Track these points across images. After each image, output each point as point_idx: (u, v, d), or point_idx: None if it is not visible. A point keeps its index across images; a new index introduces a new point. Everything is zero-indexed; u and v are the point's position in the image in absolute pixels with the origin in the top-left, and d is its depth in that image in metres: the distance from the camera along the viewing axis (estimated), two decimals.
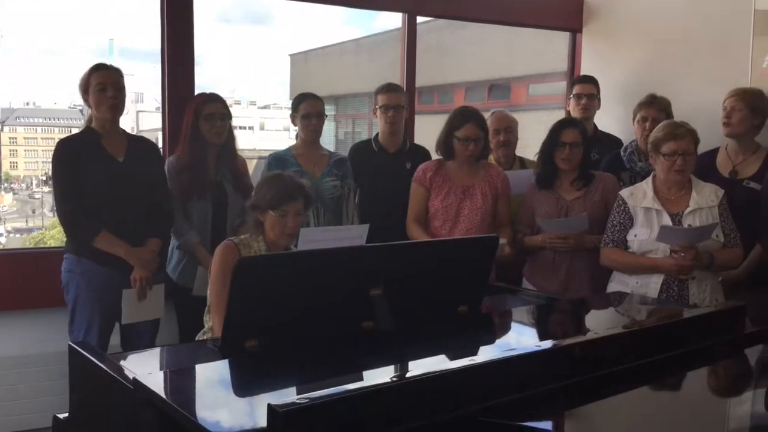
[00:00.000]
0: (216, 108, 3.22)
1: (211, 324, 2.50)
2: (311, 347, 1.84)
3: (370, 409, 1.40)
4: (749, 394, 1.94)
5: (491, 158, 3.84)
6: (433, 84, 11.19)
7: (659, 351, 1.92)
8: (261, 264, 1.91)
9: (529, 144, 3.92)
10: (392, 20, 4.10)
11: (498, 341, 2.24)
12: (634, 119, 3.63)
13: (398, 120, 3.65)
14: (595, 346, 1.87)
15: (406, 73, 4.02)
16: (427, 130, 3.45)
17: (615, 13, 4.38)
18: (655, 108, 3.54)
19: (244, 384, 1.75)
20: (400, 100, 3.64)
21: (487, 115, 3.91)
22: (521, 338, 2.28)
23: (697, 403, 1.88)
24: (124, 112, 3.05)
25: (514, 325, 2.40)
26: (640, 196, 3.02)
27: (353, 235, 2.40)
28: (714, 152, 3.40)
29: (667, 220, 2.91)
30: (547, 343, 1.85)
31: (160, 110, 3.64)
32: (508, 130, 3.80)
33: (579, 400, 1.72)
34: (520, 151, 3.92)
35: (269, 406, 1.27)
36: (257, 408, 1.40)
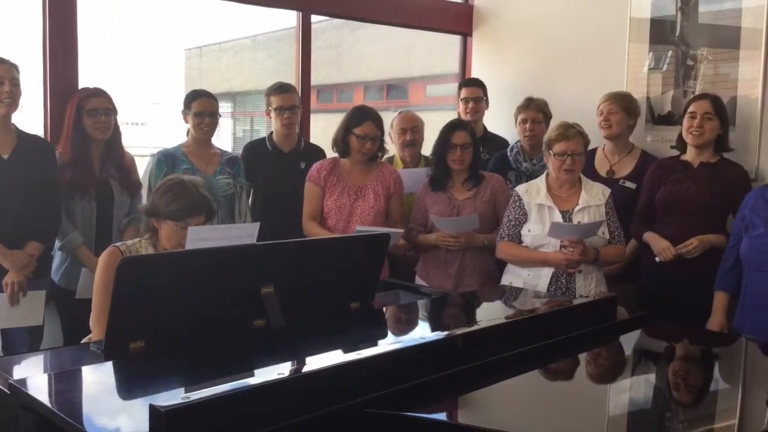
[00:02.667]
0: (100, 103, 3.11)
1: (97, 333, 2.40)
2: (200, 347, 1.83)
3: (255, 406, 1.41)
4: (628, 381, 2.06)
5: (397, 158, 3.92)
6: (332, 83, 11.20)
7: (541, 339, 2.01)
8: (145, 264, 1.88)
9: (427, 144, 4.02)
10: (289, 17, 4.08)
11: (390, 335, 2.30)
12: (515, 121, 3.80)
13: (294, 121, 3.65)
14: (480, 335, 1.95)
15: (301, 71, 4.01)
16: (327, 129, 3.46)
17: (502, 18, 4.52)
18: (532, 109, 3.73)
19: (128, 386, 1.72)
20: (294, 101, 3.64)
21: (390, 115, 3.99)
22: (412, 331, 2.33)
23: (580, 389, 1.97)
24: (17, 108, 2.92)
25: (406, 319, 2.46)
26: (534, 192, 3.15)
27: (243, 233, 2.38)
28: (592, 153, 3.59)
29: (558, 217, 3.06)
30: (435, 334, 1.91)
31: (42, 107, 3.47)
32: (415, 130, 3.86)
33: (469, 386, 1.78)
34: (424, 151, 4.00)
35: (151, 406, 1.26)
36: (141, 410, 1.38)
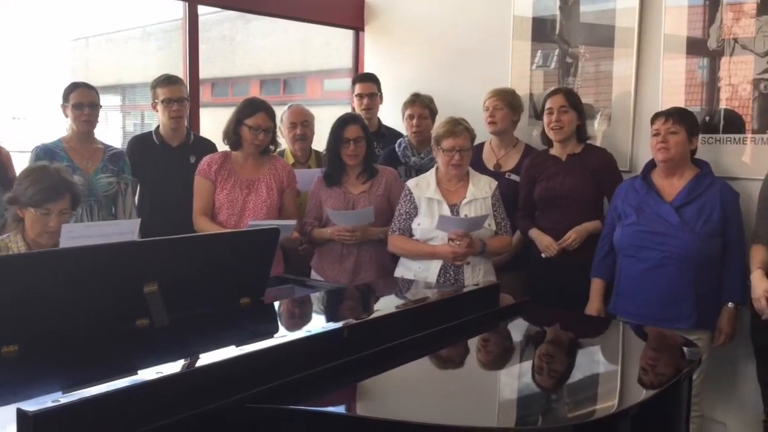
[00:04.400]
0: None
1: None
2: (78, 349, 1.77)
3: (132, 406, 1.38)
4: (516, 366, 2.14)
5: (288, 152, 3.89)
6: (227, 76, 11.00)
7: (427, 327, 2.07)
8: (16, 264, 1.79)
9: (325, 138, 4.01)
10: (179, 8, 3.96)
11: (279, 330, 2.29)
12: (402, 116, 3.87)
13: (181, 114, 3.57)
14: (366, 326, 1.99)
15: (189, 63, 3.91)
16: (222, 123, 3.40)
17: (393, 13, 4.57)
18: (418, 105, 3.81)
19: None
20: (181, 93, 3.56)
21: (283, 109, 3.96)
22: (302, 325, 2.33)
23: (472, 375, 2.04)
24: None
25: (297, 313, 2.46)
26: (424, 186, 3.21)
27: (123, 230, 2.31)
28: (479, 147, 3.70)
29: (446, 210, 3.13)
30: (321, 327, 1.92)
31: None
32: (305, 124, 3.85)
33: (358, 377, 1.81)
34: (315, 145, 3.99)
35: (18, 410, 1.21)
36: (10, 416, 1.33)
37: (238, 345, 1.68)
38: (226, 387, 1.52)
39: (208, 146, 3.65)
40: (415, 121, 3.80)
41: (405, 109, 3.87)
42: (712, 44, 3.25)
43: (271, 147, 3.40)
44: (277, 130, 3.66)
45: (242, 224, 3.23)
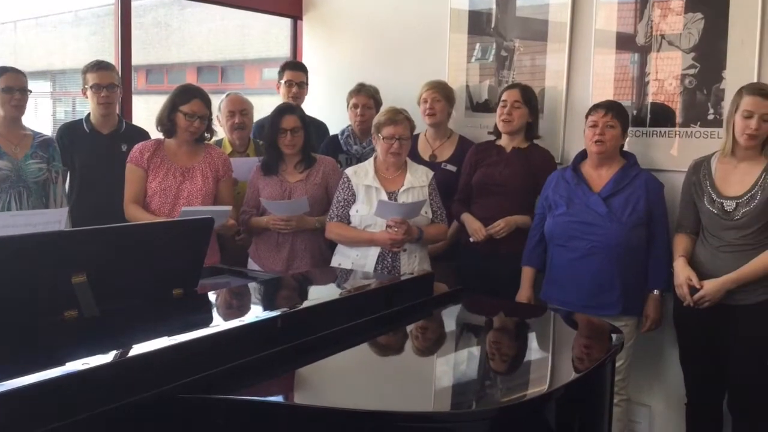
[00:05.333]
0: None
1: None
2: (3, 341, 1.71)
3: (58, 398, 1.36)
4: (452, 352, 2.18)
5: (226, 141, 3.85)
6: (162, 63, 10.76)
7: (362, 315, 2.09)
8: None
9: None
10: None
11: (212, 320, 2.27)
12: (347, 105, 3.87)
13: (112, 100, 3.49)
14: (300, 315, 1.99)
15: (121, 49, 3.82)
16: (157, 110, 3.33)
17: (331, 2, 4.54)
18: (363, 95, 3.82)
19: None
20: (112, 79, 3.47)
21: (220, 98, 3.91)
22: (236, 315, 2.31)
23: (408, 362, 2.06)
24: None
25: (231, 303, 2.43)
26: (362, 174, 3.23)
27: (49, 219, 2.24)
28: (415, 138, 3.73)
29: (384, 197, 3.16)
30: (254, 316, 1.92)
31: None
32: (244, 113, 3.81)
33: (292, 365, 1.82)
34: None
35: None
36: None
37: (169, 335, 1.66)
38: (157, 378, 1.51)
39: (141, 134, 3.57)
40: (359, 110, 3.81)
41: (350, 99, 3.87)
42: (640, 40, 3.35)
43: (206, 135, 3.35)
44: (215, 118, 3.62)
45: (175, 213, 3.18)
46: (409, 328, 2.26)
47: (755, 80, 2.95)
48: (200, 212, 2.90)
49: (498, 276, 3.27)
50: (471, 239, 3.35)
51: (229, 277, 2.89)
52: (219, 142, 3.82)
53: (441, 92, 3.65)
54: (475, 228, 3.33)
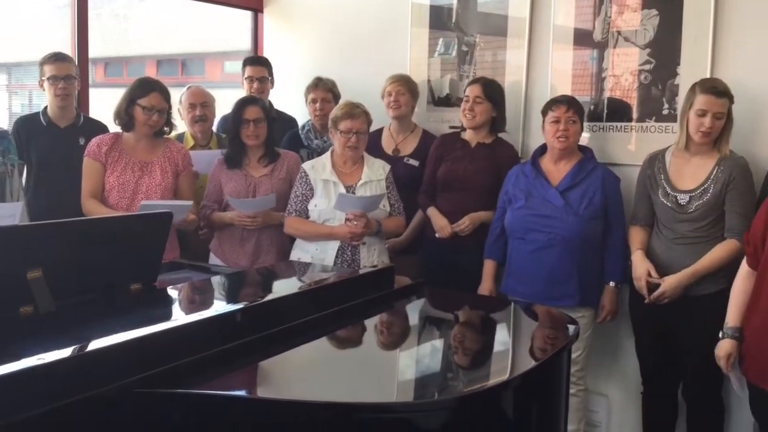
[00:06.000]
0: None
1: None
2: None
3: (14, 392, 1.35)
4: (415, 345, 2.19)
5: (187, 135, 3.81)
6: (121, 55, 10.59)
7: (323, 308, 2.09)
8: None
9: None
10: None
11: (171, 315, 2.24)
12: (306, 100, 3.87)
13: (69, 92, 3.44)
14: (260, 308, 1.99)
15: (77, 42, 3.76)
16: (115, 103, 3.29)
17: None
18: (321, 89, 3.82)
19: None
20: (70, 70, 3.42)
21: (181, 91, 3.87)
22: (195, 310, 2.30)
23: (371, 355, 2.08)
24: None
25: (190, 297, 2.41)
26: (320, 168, 3.23)
27: (4, 213, 2.20)
28: (379, 132, 3.75)
29: (342, 191, 3.16)
30: (214, 310, 1.91)
31: None
32: (205, 105, 3.79)
33: (258, 357, 1.82)
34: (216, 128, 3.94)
35: None
36: None
37: (126, 330, 1.65)
38: (114, 373, 1.49)
39: (99, 128, 3.53)
40: (318, 105, 3.80)
41: (308, 93, 3.86)
42: (597, 36, 3.40)
43: (165, 129, 3.32)
44: (176, 112, 3.58)
45: (134, 208, 3.15)
46: (372, 321, 2.27)
47: (708, 75, 3.01)
48: (160, 206, 2.87)
49: (462, 269, 3.31)
50: (437, 235, 3.37)
51: (189, 272, 2.87)
52: (181, 136, 3.79)
53: (405, 85, 3.67)
54: (441, 225, 3.36)
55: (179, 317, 2.05)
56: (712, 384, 2.90)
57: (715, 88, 2.76)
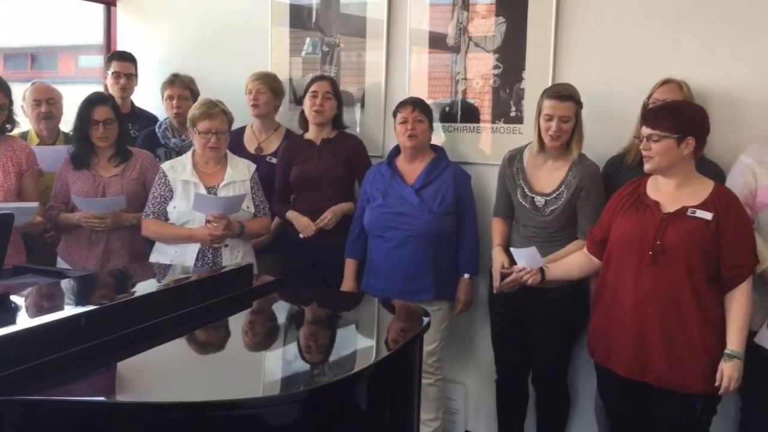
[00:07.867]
0: None
1: None
2: None
3: None
4: (279, 344, 2.19)
5: (32, 132, 3.60)
6: None
7: (178, 308, 2.05)
8: None
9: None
10: None
11: (15, 321, 2.13)
12: (162, 97, 3.77)
13: None
14: (107, 311, 1.92)
15: None
16: None
17: None
18: (178, 86, 3.74)
19: None
20: None
21: (25, 86, 3.65)
22: (39, 314, 2.19)
23: (236, 356, 2.05)
24: None
25: (36, 302, 2.29)
26: (179, 169, 3.15)
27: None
28: (241, 130, 3.71)
29: (203, 192, 3.09)
30: (57, 315, 1.83)
31: None
32: (51, 102, 3.60)
33: (110, 360, 1.77)
34: (68, 126, 3.73)
35: None
36: None
37: None
38: None
39: None
40: (175, 101, 3.72)
41: (164, 90, 3.76)
42: (450, 41, 3.54)
43: (7, 126, 3.13)
44: (20, 109, 3.39)
45: None
46: (230, 321, 2.25)
47: (551, 79, 3.21)
48: (3, 209, 2.70)
49: (324, 266, 3.34)
50: (301, 236, 3.38)
51: (35, 276, 2.72)
52: (25, 134, 3.59)
53: (266, 84, 3.65)
54: (304, 224, 3.37)
55: (22, 322, 1.94)
56: (559, 372, 3.09)
57: (559, 92, 2.90)
